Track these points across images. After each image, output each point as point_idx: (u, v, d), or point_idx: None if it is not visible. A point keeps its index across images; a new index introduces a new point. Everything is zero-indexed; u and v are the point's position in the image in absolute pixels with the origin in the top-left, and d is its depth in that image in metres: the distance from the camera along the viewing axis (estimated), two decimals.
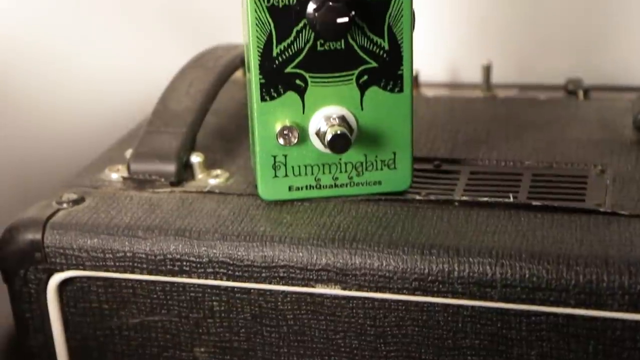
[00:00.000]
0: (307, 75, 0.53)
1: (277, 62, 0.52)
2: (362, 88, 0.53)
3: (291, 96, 0.53)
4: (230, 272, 0.52)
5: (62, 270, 0.54)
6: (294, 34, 0.52)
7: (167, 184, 0.58)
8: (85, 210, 0.56)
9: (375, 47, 0.53)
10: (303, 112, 0.53)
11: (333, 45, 0.52)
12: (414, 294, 0.50)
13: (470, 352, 0.51)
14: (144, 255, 0.53)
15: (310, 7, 0.51)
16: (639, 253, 0.48)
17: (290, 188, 0.55)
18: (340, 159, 0.55)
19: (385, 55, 0.53)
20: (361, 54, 0.53)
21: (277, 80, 0.53)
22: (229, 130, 0.67)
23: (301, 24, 0.52)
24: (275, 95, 0.53)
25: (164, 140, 0.60)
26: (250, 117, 0.55)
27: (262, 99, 0.53)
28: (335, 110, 0.53)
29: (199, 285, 0.53)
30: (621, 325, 0.48)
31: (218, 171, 0.60)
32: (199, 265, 0.52)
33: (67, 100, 0.82)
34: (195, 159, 0.59)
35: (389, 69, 0.53)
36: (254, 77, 0.53)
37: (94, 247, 0.53)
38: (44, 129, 0.81)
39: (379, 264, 0.50)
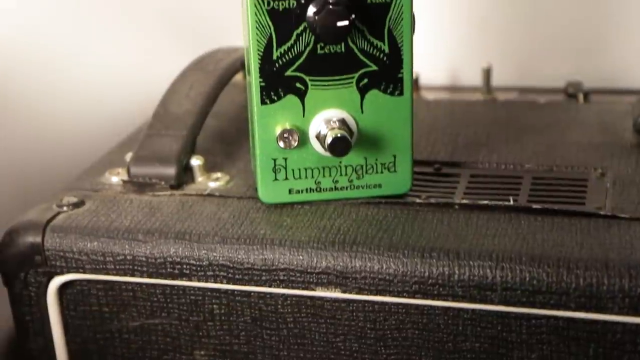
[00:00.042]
0: (307, 78, 0.53)
1: (277, 65, 0.52)
2: (362, 91, 0.53)
3: (291, 99, 0.53)
4: (230, 275, 0.52)
5: (62, 273, 0.54)
6: (294, 37, 0.52)
7: (167, 187, 0.58)
8: (85, 213, 0.56)
9: (375, 51, 0.53)
10: (303, 115, 0.53)
11: (333, 49, 0.52)
12: (414, 297, 0.50)
13: (470, 355, 0.51)
14: (144, 258, 0.53)
15: (311, 11, 0.51)
16: (639, 256, 0.48)
17: (290, 191, 0.55)
18: (340, 162, 0.55)
19: (385, 58, 0.53)
20: (361, 57, 0.53)
21: (277, 83, 0.53)
22: (229, 133, 0.67)
23: (301, 27, 0.52)
24: (276, 98, 0.53)
25: (164, 143, 0.60)
26: (251, 120, 0.55)
27: (263, 102, 0.53)
28: (335, 114, 0.53)
29: (199, 288, 0.53)
30: (621, 328, 0.48)
31: (218, 174, 0.60)
32: (199, 268, 0.52)
33: (67, 104, 0.82)
34: (196, 162, 0.59)
35: (389, 72, 0.53)
36: (254, 80, 0.53)
37: (94, 250, 0.53)
38: (45, 132, 0.81)
39: (379, 267, 0.50)
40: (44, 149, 0.80)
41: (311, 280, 0.51)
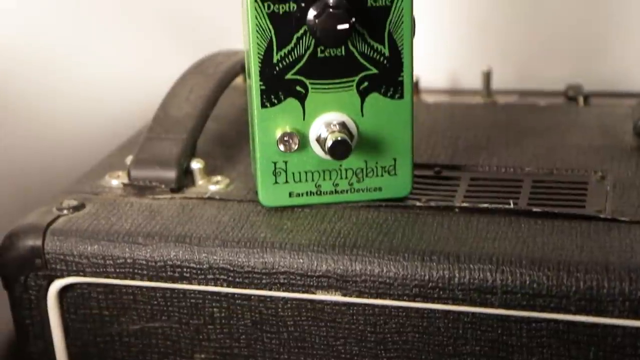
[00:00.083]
0: (307, 81, 0.53)
1: (277, 68, 0.52)
2: (363, 94, 0.53)
3: (291, 102, 0.53)
4: (230, 278, 0.52)
5: (62, 276, 0.54)
6: (294, 40, 0.52)
7: (167, 190, 0.58)
8: (85, 216, 0.56)
9: (375, 54, 0.53)
10: (303, 119, 0.53)
11: (333, 52, 0.52)
12: (414, 301, 0.50)
13: (470, 359, 0.51)
14: (144, 262, 0.53)
15: (311, 14, 0.51)
16: (639, 259, 0.48)
17: (290, 194, 0.55)
18: (340, 165, 0.55)
19: (385, 61, 0.53)
20: (361, 60, 0.53)
21: (277, 86, 0.53)
22: (230, 137, 0.67)
23: (301, 31, 0.52)
24: (276, 101, 0.53)
25: (165, 146, 0.60)
26: (251, 124, 0.55)
27: (263, 106, 0.53)
28: (335, 117, 0.53)
29: (200, 292, 0.53)
30: (622, 331, 0.48)
31: (218, 177, 0.60)
32: (199, 272, 0.52)
33: (67, 107, 0.82)
34: (196, 165, 0.59)
35: (390, 75, 0.53)
36: (255, 84, 0.53)
37: (94, 253, 0.53)
38: (45, 135, 0.81)
39: (380, 271, 0.50)
40: (44, 152, 0.80)
41: (311, 283, 0.51)
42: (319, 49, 0.52)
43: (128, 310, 0.55)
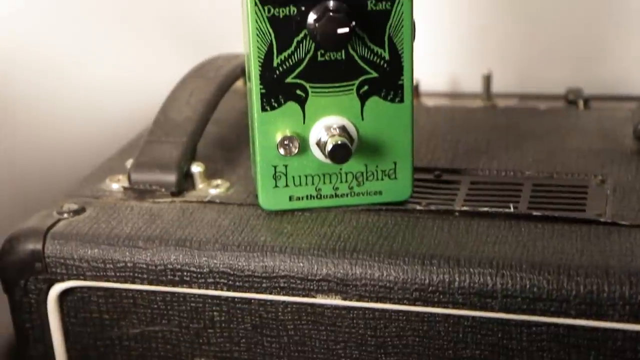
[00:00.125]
0: (307, 85, 0.53)
1: (277, 72, 0.52)
2: (363, 98, 0.53)
3: (292, 106, 0.53)
4: (230, 282, 0.52)
5: (62, 280, 0.54)
6: (294, 44, 0.52)
7: (167, 194, 0.58)
8: (85, 220, 0.56)
9: (375, 58, 0.53)
10: (304, 122, 0.53)
11: (333, 56, 0.52)
12: (414, 305, 0.50)
13: None
14: (144, 266, 0.53)
15: (311, 18, 0.51)
16: (639, 263, 0.48)
17: (290, 198, 0.55)
18: (340, 169, 0.55)
19: (385, 65, 0.53)
20: (362, 64, 0.53)
21: (277, 90, 0.53)
22: (230, 140, 0.67)
23: (302, 34, 0.52)
24: (276, 105, 0.53)
25: (165, 150, 0.60)
26: (251, 127, 0.55)
27: (263, 109, 0.53)
28: (335, 120, 0.53)
29: (200, 296, 0.53)
30: (622, 335, 0.48)
31: (218, 181, 0.60)
32: (199, 276, 0.52)
33: (67, 110, 0.82)
34: (196, 168, 0.59)
35: (390, 79, 0.53)
36: (255, 87, 0.53)
37: (94, 257, 0.53)
38: (45, 138, 0.81)
39: (380, 274, 0.50)
40: (45, 156, 0.80)
41: (311, 287, 0.51)
42: (319, 53, 0.52)
43: (128, 314, 0.55)
